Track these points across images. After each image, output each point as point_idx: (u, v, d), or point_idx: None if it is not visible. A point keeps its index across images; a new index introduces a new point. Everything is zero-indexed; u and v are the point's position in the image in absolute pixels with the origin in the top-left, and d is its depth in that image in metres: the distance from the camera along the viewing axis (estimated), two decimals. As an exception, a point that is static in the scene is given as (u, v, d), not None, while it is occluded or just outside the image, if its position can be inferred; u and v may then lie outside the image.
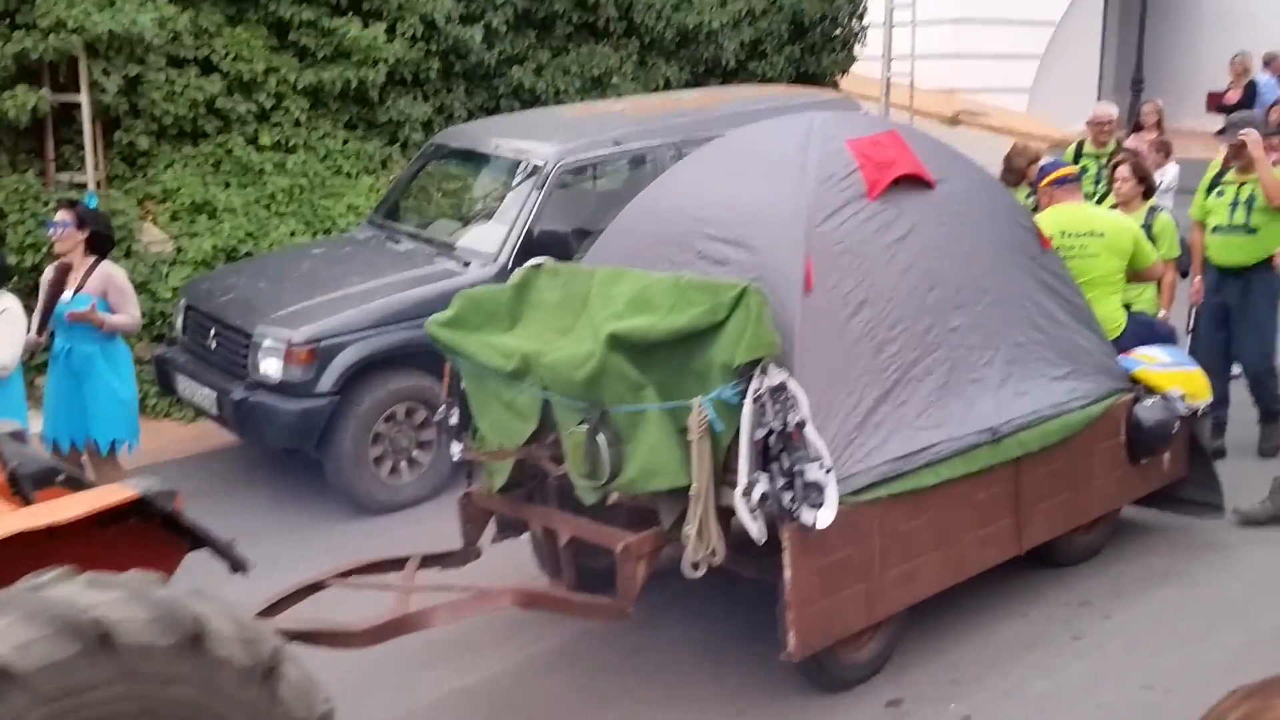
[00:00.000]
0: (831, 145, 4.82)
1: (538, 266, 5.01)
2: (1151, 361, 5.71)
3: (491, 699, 4.80)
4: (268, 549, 4.92)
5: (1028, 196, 7.25)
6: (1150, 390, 5.53)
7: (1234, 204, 6.63)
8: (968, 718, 4.55)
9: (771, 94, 9.30)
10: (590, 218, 6.91)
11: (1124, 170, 6.93)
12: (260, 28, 9.08)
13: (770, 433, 4.06)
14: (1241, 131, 6.59)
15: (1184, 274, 7.08)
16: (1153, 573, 5.59)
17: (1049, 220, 5.99)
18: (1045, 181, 6.38)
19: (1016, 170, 8.36)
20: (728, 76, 11.51)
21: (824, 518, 4.12)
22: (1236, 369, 7.18)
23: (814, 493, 4.08)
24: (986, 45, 17.53)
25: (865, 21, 12.84)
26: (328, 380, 6.30)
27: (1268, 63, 15.83)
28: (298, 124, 9.17)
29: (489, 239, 6.94)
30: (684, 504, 4.22)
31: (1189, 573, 5.62)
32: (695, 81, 11.26)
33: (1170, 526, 5.89)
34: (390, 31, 9.36)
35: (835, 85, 12.64)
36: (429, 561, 4.87)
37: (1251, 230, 6.56)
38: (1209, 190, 6.82)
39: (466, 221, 7.50)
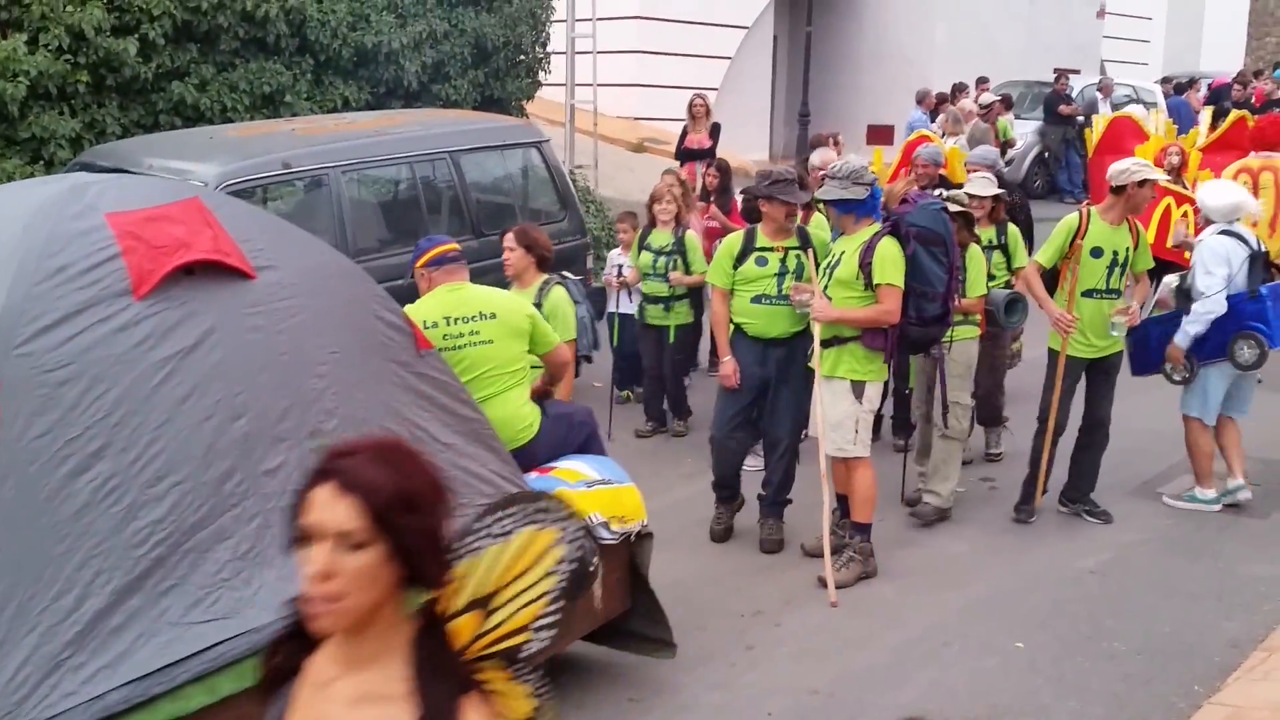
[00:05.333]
0: (79, 222, 3.41)
1: None
2: (573, 480, 4.65)
3: None
4: None
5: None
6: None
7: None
8: (645, 737, 4.58)
9: (451, 118, 9.20)
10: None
11: (509, 239, 6.06)
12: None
13: None
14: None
15: (588, 359, 6.30)
16: (815, 579, 5.81)
17: (426, 308, 4.90)
18: (420, 262, 5.11)
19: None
20: (410, 99, 11.31)
21: None
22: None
23: None
24: (667, 76, 18.21)
25: (549, 48, 12.98)
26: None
27: (920, 100, 17.27)
28: (-77, 141, 8.27)
29: (142, 265, 6.39)
30: None
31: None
32: (376, 103, 11.00)
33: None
34: (33, 43, 8.61)
35: (522, 111, 12.69)
36: None
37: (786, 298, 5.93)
38: (743, 258, 6.04)
39: (117, 247, 6.91)
